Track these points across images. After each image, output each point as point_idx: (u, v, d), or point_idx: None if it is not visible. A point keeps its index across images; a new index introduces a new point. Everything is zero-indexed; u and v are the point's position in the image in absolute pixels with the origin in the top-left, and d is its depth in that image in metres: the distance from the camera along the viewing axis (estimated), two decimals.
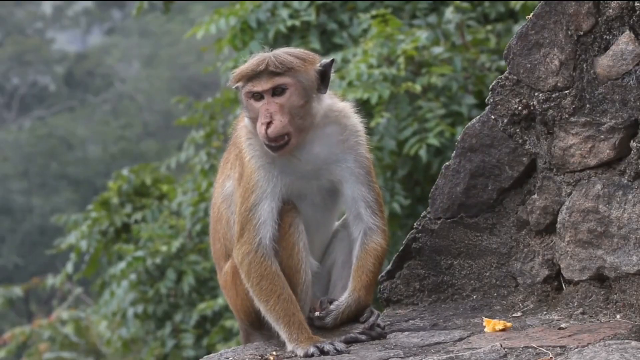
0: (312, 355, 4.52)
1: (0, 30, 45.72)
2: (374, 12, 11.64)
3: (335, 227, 5.02)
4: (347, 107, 4.88)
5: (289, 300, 4.64)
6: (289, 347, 4.60)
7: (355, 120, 4.88)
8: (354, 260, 4.82)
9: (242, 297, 4.81)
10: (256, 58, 4.70)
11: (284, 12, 11.97)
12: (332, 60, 4.79)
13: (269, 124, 4.62)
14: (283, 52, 4.72)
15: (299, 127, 4.67)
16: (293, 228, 4.73)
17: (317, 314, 4.73)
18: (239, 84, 4.72)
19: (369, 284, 4.78)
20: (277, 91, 4.65)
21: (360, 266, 4.79)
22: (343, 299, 4.76)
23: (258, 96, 4.67)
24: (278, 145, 4.64)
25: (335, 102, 4.85)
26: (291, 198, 4.78)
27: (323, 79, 4.75)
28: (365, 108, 11.26)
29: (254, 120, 4.69)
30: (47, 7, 47.31)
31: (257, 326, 4.87)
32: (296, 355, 4.58)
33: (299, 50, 4.78)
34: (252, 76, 4.66)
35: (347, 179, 4.80)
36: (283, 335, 4.64)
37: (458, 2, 12.03)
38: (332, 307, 4.74)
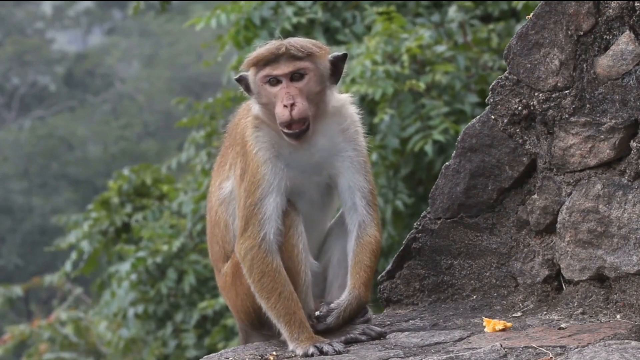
0: (312, 355, 4.51)
1: (0, 30, 45.72)
2: (379, 9, 11.65)
3: (329, 224, 5.00)
4: (347, 99, 4.87)
5: (290, 299, 4.61)
6: (290, 346, 4.59)
7: (354, 111, 4.86)
8: (350, 254, 4.78)
9: (242, 298, 4.79)
10: (273, 43, 4.66)
11: (288, 10, 11.97)
12: (345, 55, 4.75)
13: (292, 106, 4.57)
14: (300, 39, 4.71)
15: (314, 114, 4.65)
16: (293, 230, 4.70)
17: (317, 312, 4.71)
18: (252, 70, 4.67)
19: (367, 280, 4.74)
20: (295, 76, 4.62)
21: (357, 262, 4.75)
22: (344, 298, 4.72)
23: (275, 81, 4.63)
24: (299, 130, 4.59)
25: (335, 94, 4.83)
26: (292, 195, 4.76)
27: (334, 71, 4.73)
28: (368, 105, 11.28)
29: (268, 106, 4.64)
30: (47, 7, 47.30)
31: (257, 326, 4.86)
32: (296, 355, 4.57)
33: (313, 40, 4.77)
34: (271, 60, 4.62)
35: (346, 169, 4.77)
36: (284, 333, 4.62)
37: (461, 1, 12.04)
38: (332, 305, 4.70)
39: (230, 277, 4.82)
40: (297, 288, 4.69)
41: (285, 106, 4.57)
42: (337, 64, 4.73)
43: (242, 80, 4.74)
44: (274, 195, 4.67)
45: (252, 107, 4.77)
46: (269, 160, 4.68)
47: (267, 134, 4.70)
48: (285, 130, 4.60)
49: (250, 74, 4.71)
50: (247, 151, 4.71)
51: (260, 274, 4.63)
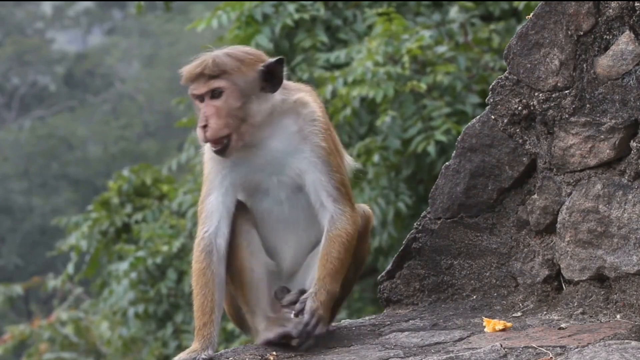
0: None
1: (0, 30, 45.72)
2: (379, 10, 11.65)
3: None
4: (304, 97, 4.80)
5: (201, 309, 4.62)
6: None
7: (313, 108, 4.78)
8: (320, 249, 4.74)
9: (227, 301, 4.84)
10: (197, 59, 4.71)
11: (290, 7, 11.97)
12: (281, 59, 4.72)
13: (205, 127, 4.63)
14: (222, 54, 4.71)
15: (238, 128, 4.64)
16: (238, 228, 4.72)
17: (292, 315, 4.66)
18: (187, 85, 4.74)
19: (333, 271, 4.65)
20: (214, 94, 4.64)
21: (324, 254, 4.67)
22: (308, 292, 4.65)
23: (200, 98, 4.68)
24: (218, 148, 4.65)
25: (290, 94, 4.78)
26: (252, 194, 4.77)
27: (271, 78, 4.70)
28: (370, 106, 11.29)
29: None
30: (47, 7, 47.30)
31: (244, 328, 4.89)
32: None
33: (241, 51, 4.74)
34: (193, 78, 4.67)
35: (307, 169, 4.72)
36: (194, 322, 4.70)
37: (462, 1, 12.04)
38: (297, 305, 4.63)
39: None
40: (242, 287, 4.71)
41: (200, 127, 4.65)
42: (274, 70, 4.70)
43: None
44: (215, 193, 4.71)
45: None
46: (212, 159, 4.75)
47: None
48: (209, 146, 4.70)
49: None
50: (204, 149, 4.85)
51: (194, 268, 4.70)
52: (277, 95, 4.72)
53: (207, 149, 4.78)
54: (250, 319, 4.75)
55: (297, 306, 4.63)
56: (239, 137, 4.65)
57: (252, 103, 4.67)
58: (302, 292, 4.70)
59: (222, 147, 4.64)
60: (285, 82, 4.76)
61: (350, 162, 4.93)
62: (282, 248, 4.82)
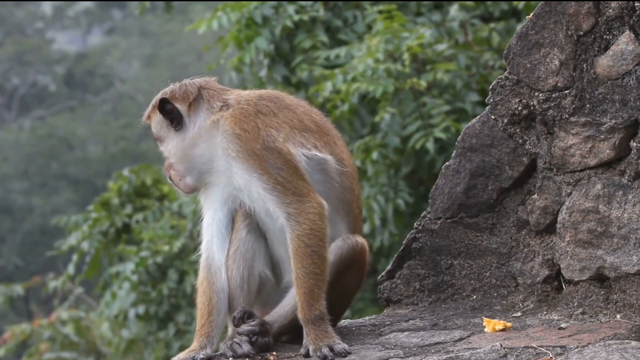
0: None
1: (0, 30, 45.72)
2: (380, 7, 11.66)
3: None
4: (216, 117, 4.80)
5: (200, 313, 4.76)
6: None
7: (223, 126, 4.74)
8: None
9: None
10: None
11: (290, 8, 11.98)
12: (163, 99, 4.83)
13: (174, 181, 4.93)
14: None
15: (186, 168, 4.84)
16: (232, 236, 4.83)
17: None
18: None
19: (306, 294, 4.59)
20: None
21: (294, 278, 4.64)
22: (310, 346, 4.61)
23: None
24: (188, 191, 4.92)
25: (208, 118, 4.81)
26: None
27: (171, 116, 4.83)
28: (369, 103, 11.29)
29: None
30: (47, 7, 47.29)
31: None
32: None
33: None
34: None
35: (244, 184, 4.72)
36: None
37: (463, 1, 12.04)
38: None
39: None
40: (230, 293, 4.81)
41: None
42: (168, 109, 4.81)
43: None
44: (207, 214, 4.88)
45: None
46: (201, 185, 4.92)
47: None
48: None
49: None
50: None
51: (198, 277, 4.89)
52: (197, 122, 4.80)
53: None
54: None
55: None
56: (189, 174, 4.87)
57: (171, 144, 4.86)
58: (262, 323, 4.69)
59: (191, 190, 4.94)
60: (209, 104, 4.82)
61: (307, 152, 4.77)
62: (282, 260, 4.85)
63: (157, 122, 4.86)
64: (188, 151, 4.80)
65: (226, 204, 4.84)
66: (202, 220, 4.89)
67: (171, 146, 4.83)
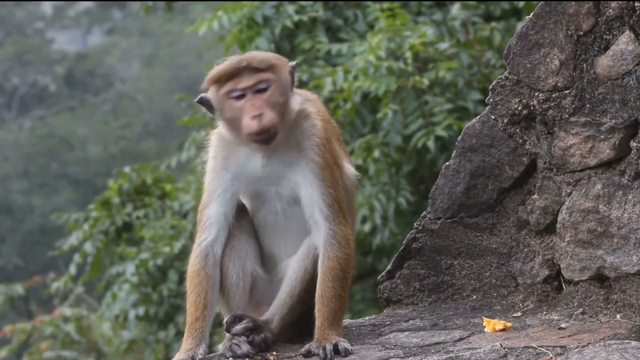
0: None
1: (0, 30, 45.72)
2: (383, 5, 11.66)
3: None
4: (307, 108, 4.77)
5: (193, 305, 4.65)
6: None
7: (313, 121, 4.74)
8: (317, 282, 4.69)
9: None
10: (233, 58, 4.67)
11: (290, 8, 11.99)
12: (296, 63, 4.76)
13: (260, 116, 4.56)
14: (260, 52, 4.75)
15: (281, 123, 4.62)
16: (231, 234, 4.76)
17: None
18: (214, 87, 4.66)
19: (330, 314, 4.59)
20: (259, 88, 4.60)
21: (319, 295, 4.62)
22: (314, 343, 4.59)
23: (239, 95, 4.61)
24: (268, 137, 4.58)
25: (296, 103, 4.75)
26: (253, 200, 4.79)
27: (293, 81, 4.72)
28: (371, 102, 11.29)
29: (233, 121, 4.64)
30: (47, 7, 47.30)
31: None
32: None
33: (271, 53, 4.78)
34: (234, 74, 4.61)
35: (302, 183, 4.69)
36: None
37: (464, 0, 12.05)
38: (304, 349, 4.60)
39: None
40: (223, 290, 4.74)
41: (253, 117, 4.56)
42: (294, 74, 4.73)
43: (203, 102, 4.73)
44: (216, 204, 4.73)
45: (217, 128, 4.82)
46: (214, 171, 4.74)
47: (223, 148, 4.74)
48: (255, 138, 4.59)
49: (211, 92, 4.69)
50: (207, 160, 4.81)
51: (188, 273, 4.74)
52: (296, 100, 4.73)
53: (210, 158, 4.77)
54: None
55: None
56: (283, 133, 4.63)
57: (289, 100, 4.67)
58: (254, 320, 4.66)
59: (269, 137, 4.59)
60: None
61: (352, 173, 4.89)
62: (279, 256, 4.83)
63: (285, 75, 4.66)
64: (291, 115, 4.68)
65: (239, 196, 4.75)
66: (207, 206, 4.75)
67: (288, 102, 4.65)
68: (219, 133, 4.79)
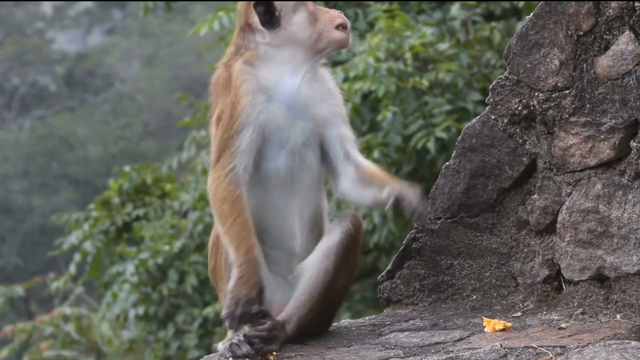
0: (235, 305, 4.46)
1: (0, 30, 45.72)
2: (383, 6, 11.66)
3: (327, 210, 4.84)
4: None
5: (242, 225, 4.50)
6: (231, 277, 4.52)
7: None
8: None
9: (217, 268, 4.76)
10: None
11: None
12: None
13: (341, 14, 4.72)
14: None
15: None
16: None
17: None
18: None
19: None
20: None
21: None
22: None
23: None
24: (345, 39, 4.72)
25: None
26: (270, 143, 4.65)
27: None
28: (371, 103, 11.29)
29: (312, 25, 4.68)
30: (47, 7, 47.29)
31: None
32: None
33: None
34: None
35: (332, 119, 4.72)
36: (232, 258, 4.52)
37: (464, 1, 12.05)
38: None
39: (211, 245, 4.76)
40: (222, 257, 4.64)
41: (339, 17, 4.71)
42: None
43: (267, 9, 4.70)
44: (250, 129, 4.59)
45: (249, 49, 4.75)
46: (251, 93, 4.62)
47: (257, 69, 4.67)
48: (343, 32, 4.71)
49: (290, 4, 4.70)
50: (232, 86, 4.64)
51: (221, 200, 4.54)
52: None
53: (245, 81, 4.62)
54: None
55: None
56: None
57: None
58: (272, 328, 4.55)
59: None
60: None
61: None
62: (288, 210, 4.70)
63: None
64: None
65: (263, 127, 4.62)
66: (239, 131, 4.56)
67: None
68: (252, 55, 4.70)
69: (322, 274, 4.65)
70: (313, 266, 4.66)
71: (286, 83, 4.66)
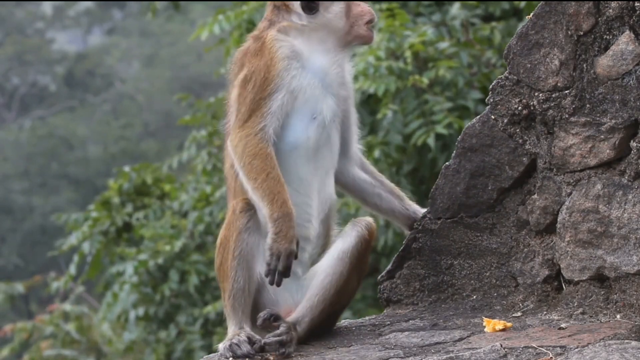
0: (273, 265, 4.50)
1: (0, 30, 45.72)
2: (383, 6, 11.66)
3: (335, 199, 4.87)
4: None
5: (276, 180, 4.54)
6: (269, 233, 4.53)
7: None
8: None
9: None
10: None
11: None
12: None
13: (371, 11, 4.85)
14: None
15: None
16: (235, 236, 4.65)
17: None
18: None
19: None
20: None
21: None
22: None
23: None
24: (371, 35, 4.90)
25: None
26: (301, 114, 4.73)
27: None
28: (371, 102, 11.29)
29: (346, 15, 4.80)
30: (47, 7, 47.29)
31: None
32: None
33: None
34: None
35: (350, 108, 4.91)
36: (265, 213, 4.54)
37: (464, 0, 12.04)
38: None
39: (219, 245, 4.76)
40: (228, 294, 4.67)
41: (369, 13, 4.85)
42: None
43: None
44: (282, 92, 4.67)
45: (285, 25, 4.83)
46: (287, 58, 4.71)
47: (293, 38, 4.78)
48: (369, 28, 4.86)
49: None
50: (267, 51, 4.71)
51: (251, 156, 4.58)
52: None
53: (281, 47, 4.70)
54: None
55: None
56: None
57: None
58: (288, 330, 4.58)
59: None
60: None
61: None
62: (309, 186, 4.75)
63: None
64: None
65: (296, 92, 4.72)
66: (272, 93, 4.63)
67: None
68: (283, 30, 4.78)
69: (336, 277, 4.68)
70: (327, 268, 4.69)
71: (319, 58, 4.78)
